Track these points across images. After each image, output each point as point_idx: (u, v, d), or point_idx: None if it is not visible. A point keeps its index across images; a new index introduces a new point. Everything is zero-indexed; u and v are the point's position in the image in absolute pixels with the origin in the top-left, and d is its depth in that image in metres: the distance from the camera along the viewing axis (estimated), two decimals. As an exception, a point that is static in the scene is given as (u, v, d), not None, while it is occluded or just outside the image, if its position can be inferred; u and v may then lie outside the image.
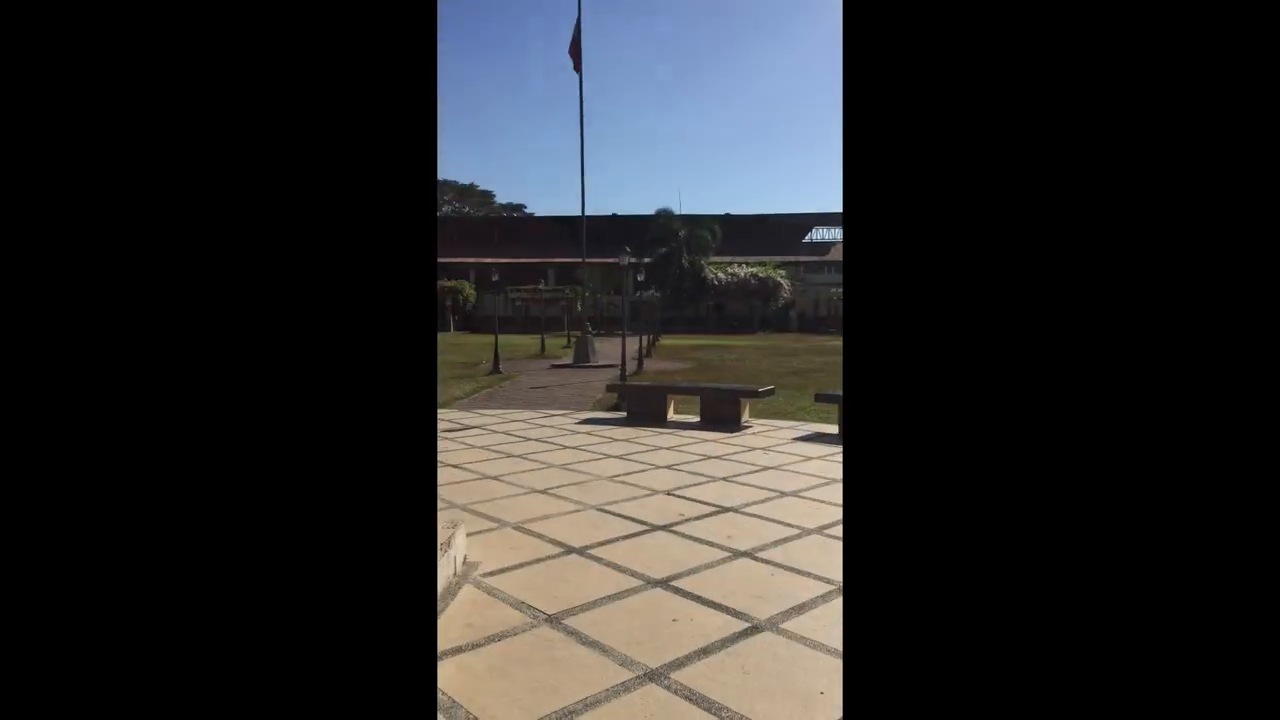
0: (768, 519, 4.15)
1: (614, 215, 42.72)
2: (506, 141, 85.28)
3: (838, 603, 2.95)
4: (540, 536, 3.83)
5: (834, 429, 6.95)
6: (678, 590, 3.08)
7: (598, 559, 3.48)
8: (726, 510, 4.33)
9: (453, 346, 21.71)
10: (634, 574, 3.27)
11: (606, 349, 17.05)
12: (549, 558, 3.51)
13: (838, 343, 21.90)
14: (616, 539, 3.79)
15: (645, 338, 20.26)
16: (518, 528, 3.99)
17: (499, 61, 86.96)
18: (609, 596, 3.01)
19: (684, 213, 37.30)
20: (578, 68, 17.35)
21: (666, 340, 24.84)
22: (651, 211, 37.20)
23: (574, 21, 18.27)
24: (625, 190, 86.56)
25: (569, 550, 3.61)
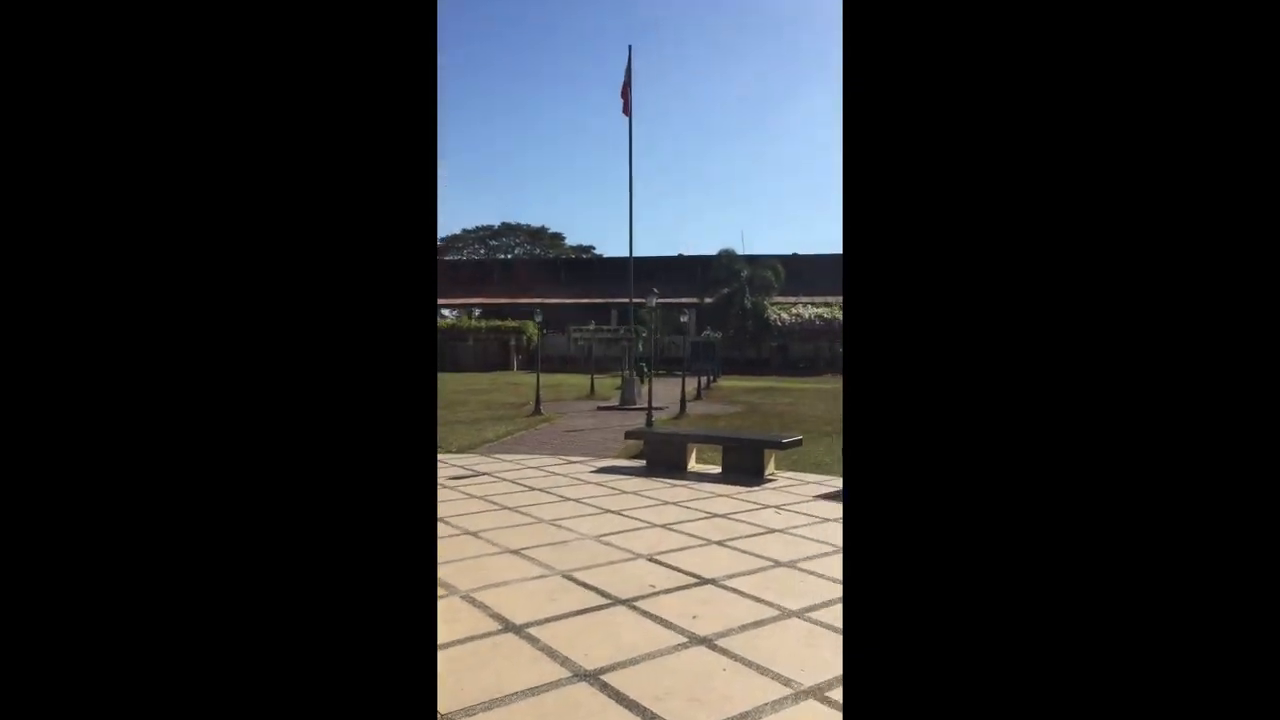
0: (747, 595, 3.66)
1: (679, 255, 42.70)
2: (578, 184, 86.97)
3: (791, 713, 2.46)
4: (485, 609, 3.46)
5: (865, 485, 6.32)
6: (604, 686, 2.65)
7: (534, 640, 3.08)
8: (705, 582, 3.86)
9: (508, 386, 21.75)
10: (565, 662, 2.85)
11: (662, 390, 16.64)
12: (480, 636, 3.13)
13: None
14: (567, 615, 3.38)
15: (701, 379, 19.79)
16: (466, 597, 3.63)
17: (573, 107, 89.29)
18: (521, 692, 2.60)
19: (748, 253, 36.73)
20: (627, 110, 17.40)
21: (725, 381, 24.17)
22: (716, 252, 36.88)
23: (636, 67, 18.41)
24: (693, 230, 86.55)
25: (507, 628, 3.22)
